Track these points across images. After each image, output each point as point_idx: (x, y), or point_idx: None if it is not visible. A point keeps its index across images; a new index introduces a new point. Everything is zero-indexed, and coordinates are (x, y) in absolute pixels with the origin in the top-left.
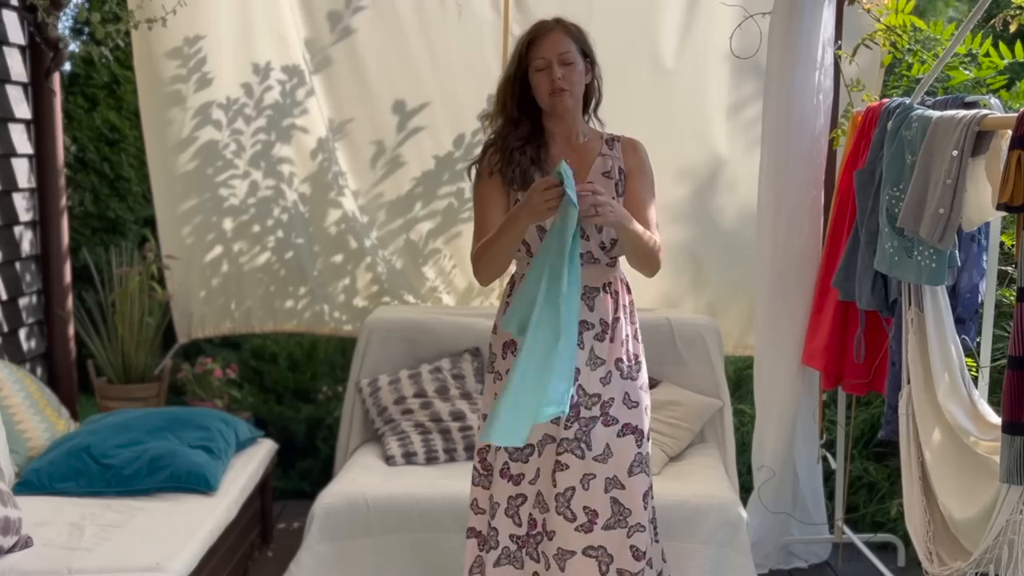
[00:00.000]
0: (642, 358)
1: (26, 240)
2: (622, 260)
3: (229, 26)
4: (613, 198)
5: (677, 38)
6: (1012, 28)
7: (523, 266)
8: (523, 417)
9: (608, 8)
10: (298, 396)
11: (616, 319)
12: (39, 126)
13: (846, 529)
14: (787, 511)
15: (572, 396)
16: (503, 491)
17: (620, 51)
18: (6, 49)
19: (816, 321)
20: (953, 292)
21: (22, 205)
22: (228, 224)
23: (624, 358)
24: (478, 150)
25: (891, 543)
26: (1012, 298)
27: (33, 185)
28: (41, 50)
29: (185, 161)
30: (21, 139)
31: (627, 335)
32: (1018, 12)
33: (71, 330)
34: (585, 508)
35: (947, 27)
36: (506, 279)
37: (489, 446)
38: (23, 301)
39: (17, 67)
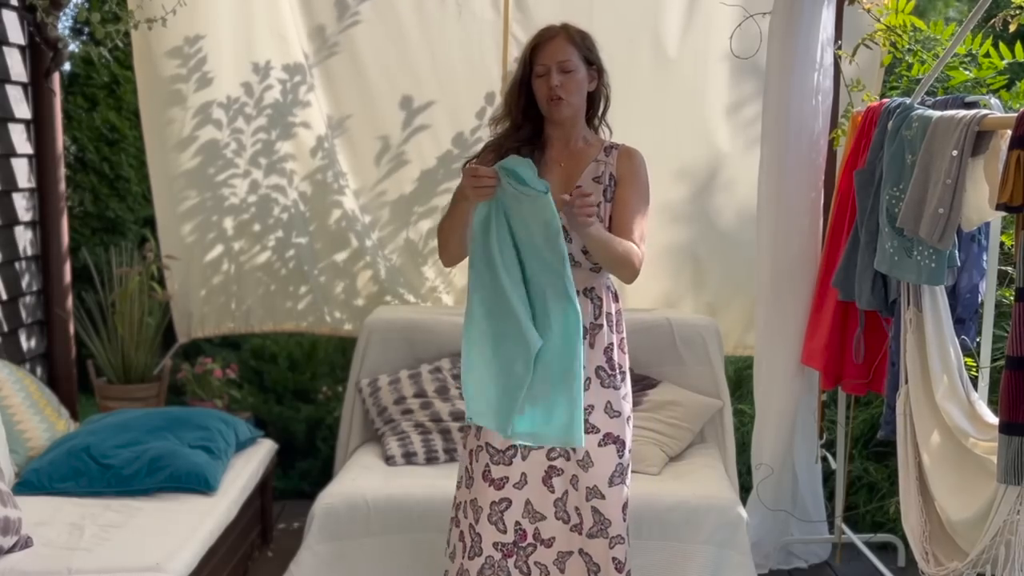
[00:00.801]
0: (626, 368)
1: (26, 240)
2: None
3: (229, 25)
4: (599, 203)
5: (677, 38)
6: (1012, 28)
7: None
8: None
9: (608, 8)
10: (298, 396)
11: (597, 325)
12: (39, 126)
13: (846, 529)
14: (786, 510)
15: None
16: (486, 496)
17: (620, 51)
18: (6, 49)
19: (816, 321)
20: (953, 292)
21: (22, 205)
22: (228, 223)
23: (605, 366)
24: (476, 147)
25: (891, 543)
26: (1012, 298)
27: (33, 185)
28: (41, 50)
29: (185, 161)
30: (21, 139)
31: (610, 343)
32: (1018, 12)
33: (71, 330)
34: (576, 509)
35: (947, 27)
36: None
37: (474, 449)
38: (23, 301)
39: (17, 67)
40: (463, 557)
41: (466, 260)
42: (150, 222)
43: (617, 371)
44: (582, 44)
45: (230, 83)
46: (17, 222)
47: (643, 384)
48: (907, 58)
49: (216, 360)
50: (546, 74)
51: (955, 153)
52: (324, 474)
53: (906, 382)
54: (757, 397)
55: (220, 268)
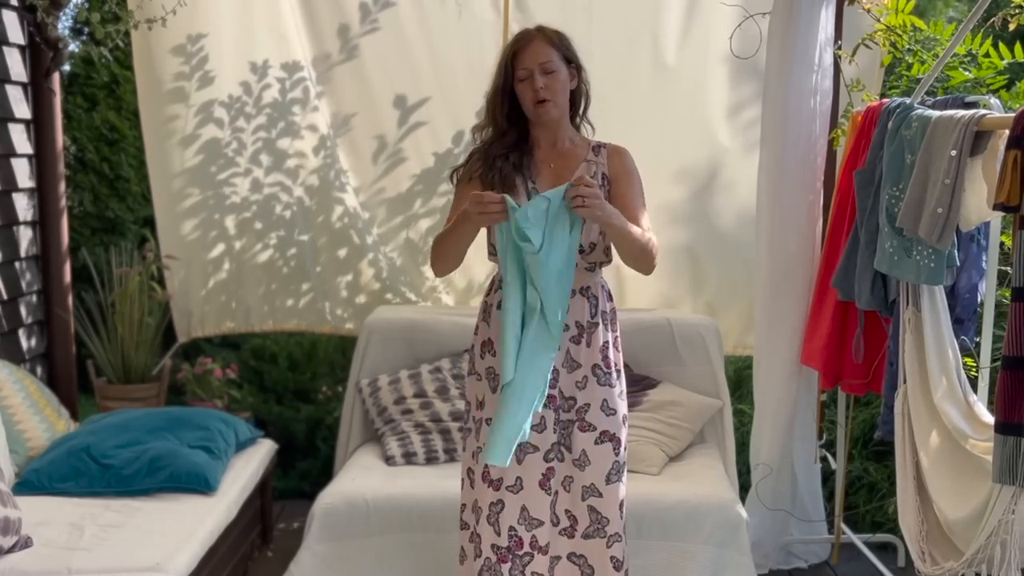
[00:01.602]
0: (621, 367)
1: (26, 240)
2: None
3: (229, 25)
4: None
5: (677, 38)
6: (1012, 28)
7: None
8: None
9: (608, 8)
10: (298, 396)
11: (594, 324)
12: (39, 126)
13: (846, 529)
14: (786, 509)
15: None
16: (485, 496)
17: (620, 51)
18: (6, 49)
19: (815, 321)
20: (952, 292)
21: (22, 205)
22: (229, 222)
23: (601, 364)
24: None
25: (891, 543)
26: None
27: (33, 185)
28: (41, 50)
29: (185, 160)
30: (21, 139)
31: (606, 342)
32: (1017, 12)
33: (71, 330)
34: (567, 512)
35: (947, 27)
36: (487, 280)
37: (475, 451)
38: (23, 301)
39: (17, 67)
40: (474, 558)
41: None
42: (150, 222)
43: (612, 369)
44: (560, 44)
45: (230, 82)
46: (17, 222)
47: (643, 384)
48: (907, 58)
49: (216, 360)
50: (529, 78)
51: (954, 153)
52: (324, 474)
53: (904, 382)
54: (756, 397)
55: (221, 267)
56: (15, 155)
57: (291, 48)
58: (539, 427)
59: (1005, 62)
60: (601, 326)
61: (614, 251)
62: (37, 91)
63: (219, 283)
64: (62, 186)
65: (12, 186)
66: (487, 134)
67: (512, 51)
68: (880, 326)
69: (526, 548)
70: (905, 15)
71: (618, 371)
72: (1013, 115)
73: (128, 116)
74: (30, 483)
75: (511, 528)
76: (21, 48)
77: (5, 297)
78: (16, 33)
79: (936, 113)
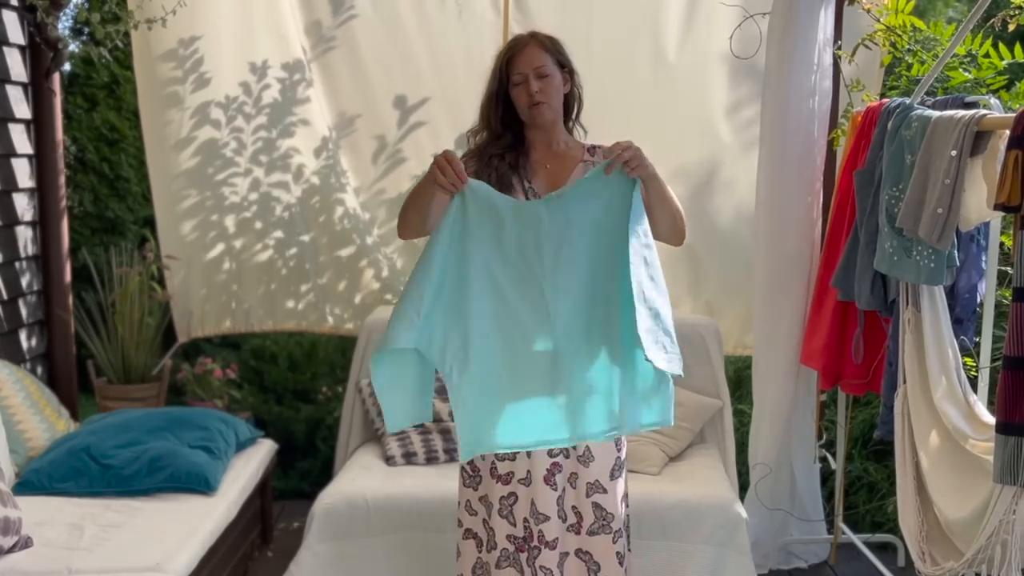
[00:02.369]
0: None
1: (26, 240)
2: None
3: (229, 25)
4: None
5: (677, 38)
6: (1011, 28)
7: None
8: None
9: (608, 8)
10: (298, 396)
11: None
12: (39, 126)
13: (845, 529)
14: (785, 509)
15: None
16: (495, 492)
17: (620, 51)
18: (6, 49)
19: (815, 321)
20: (952, 292)
21: (22, 205)
22: (229, 222)
23: None
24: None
25: (890, 543)
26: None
27: (33, 185)
28: (41, 50)
29: (185, 160)
30: (21, 139)
31: None
32: (1017, 12)
33: (71, 330)
34: (573, 508)
35: (947, 27)
36: None
37: None
38: (23, 301)
39: (17, 67)
40: (482, 550)
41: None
42: (150, 222)
43: None
44: (553, 49)
45: (230, 82)
46: (17, 222)
47: None
48: (907, 58)
49: (216, 360)
50: (523, 82)
51: (954, 153)
52: (324, 474)
53: (904, 382)
54: (755, 397)
55: (221, 267)
56: (15, 155)
57: (291, 48)
58: None
59: (1005, 62)
60: None
61: None
62: (37, 91)
63: (219, 283)
64: (62, 186)
65: (12, 186)
66: (482, 138)
67: (506, 56)
68: (880, 326)
69: (535, 541)
70: (905, 15)
71: None
72: (1013, 115)
73: (128, 116)
74: (30, 483)
75: (524, 519)
76: (21, 48)
77: (5, 297)
78: (16, 33)
79: (936, 113)
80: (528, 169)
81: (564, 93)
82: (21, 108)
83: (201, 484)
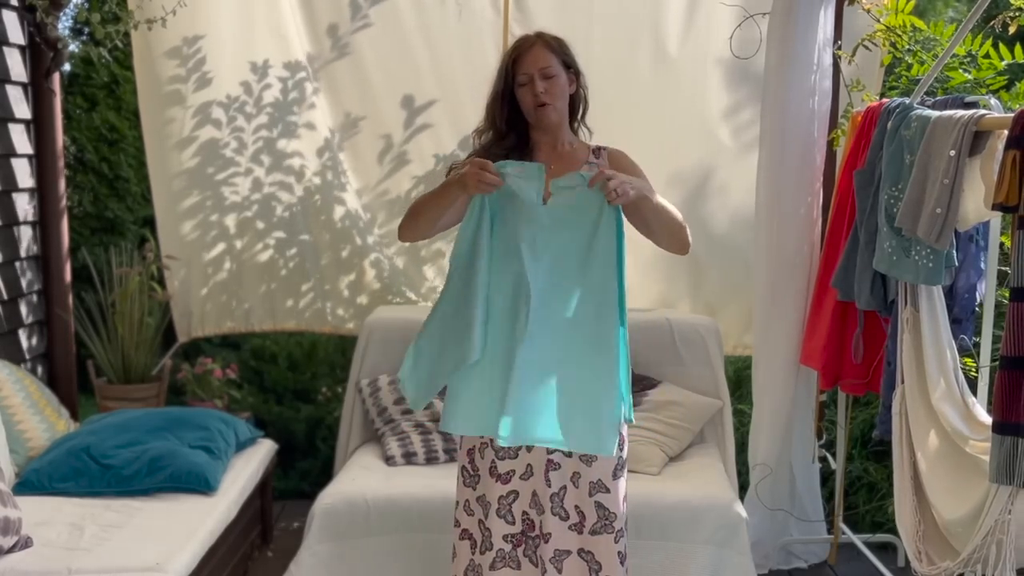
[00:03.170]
0: None
1: (26, 240)
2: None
3: (229, 25)
4: None
5: (677, 39)
6: (1012, 30)
7: None
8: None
9: (608, 8)
10: (298, 396)
11: None
12: (39, 126)
13: (845, 529)
14: (785, 509)
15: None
16: (494, 491)
17: (620, 51)
18: (6, 49)
19: (815, 321)
20: (951, 292)
21: (22, 205)
22: (229, 222)
23: None
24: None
25: (890, 543)
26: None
27: (33, 185)
28: (41, 50)
29: (185, 160)
30: (21, 139)
31: None
32: (1018, 13)
33: (71, 330)
34: (576, 507)
35: (947, 28)
36: None
37: (476, 447)
38: (23, 301)
39: (17, 67)
40: (475, 552)
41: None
42: (150, 222)
43: None
44: (559, 50)
45: (230, 82)
46: (17, 222)
47: (643, 384)
48: (907, 58)
49: (216, 360)
50: (529, 82)
51: (953, 153)
52: (324, 474)
53: (902, 382)
54: (755, 397)
55: (221, 267)
56: (15, 155)
57: (291, 48)
58: None
59: (1005, 63)
60: None
61: None
62: (37, 91)
63: (219, 283)
64: (62, 186)
65: (12, 186)
66: (487, 138)
67: (512, 57)
68: (880, 326)
69: (536, 531)
70: (905, 15)
71: None
72: (1012, 115)
73: (128, 116)
74: (30, 483)
75: (524, 513)
76: (21, 48)
77: (5, 297)
78: (16, 33)
79: (935, 113)
80: None
81: (570, 94)
82: (21, 108)
83: (201, 484)
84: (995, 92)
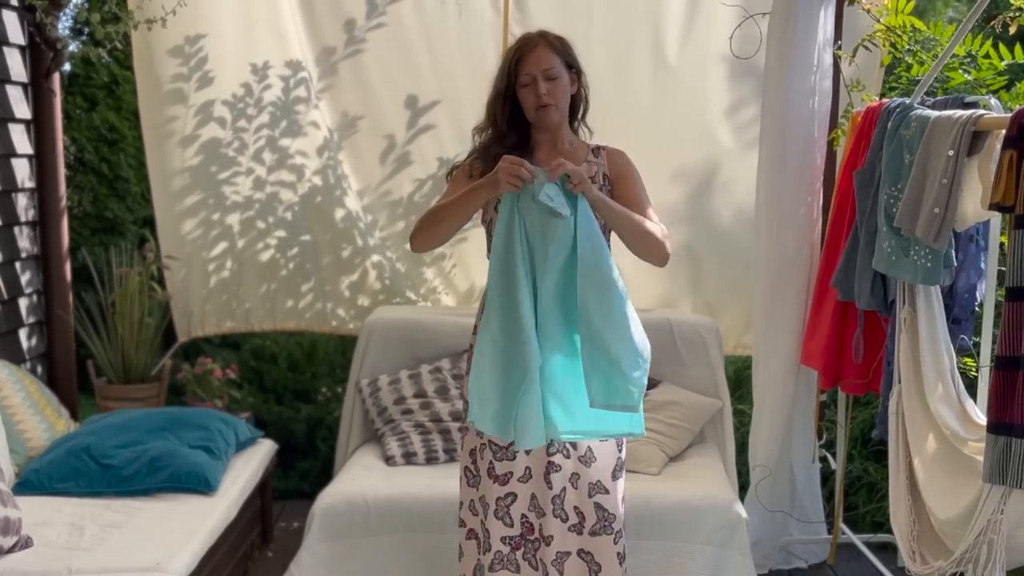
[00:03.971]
0: None
1: (26, 240)
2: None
3: (230, 25)
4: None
5: (677, 38)
6: (1012, 30)
7: None
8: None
9: (608, 8)
10: (298, 396)
11: None
12: (39, 126)
13: (846, 529)
14: (784, 510)
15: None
16: (492, 493)
17: (620, 51)
18: (6, 49)
19: (815, 321)
20: (951, 292)
21: (22, 205)
22: (229, 221)
23: None
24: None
25: (890, 543)
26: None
27: (33, 185)
28: (41, 50)
29: (185, 160)
30: (21, 139)
31: None
32: (1018, 14)
33: (71, 330)
34: (575, 508)
35: (947, 28)
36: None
37: (476, 447)
38: (23, 301)
39: (17, 67)
40: (479, 553)
41: (432, 247)
42: (149, 222)
43: None
44: (562, 50)
45: (231, 82)
46: (17, 222)
47: None
48: (907, 59)
49: (216, 360)
50: (531, 83)
51: (951, 153)
52: (324, 474)
53: (899, 382)
54: (755, 397)
55: (222, 266)
56: (15, 155)
57: (292, 47)
58: None
59: (1005, 63)
60: None
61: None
62: (37, 91)
63: (220, 283)
64: (62, 186)
65: (12, 186)
66: (487, 135)
67: (515, 57)
68: (880, 326)
69: (536, 534)
70: (905, 15)
71: None
72: (1009, 115)
73: (128, 116)
74: (30, 483)
75: (523, 516)
76: (21, 48)
77: (5, 297)
78: (16, 33)
79: (935, 113)
80: None
81: (571, 94)
82: (21, 108)
83: (201, 484)
84: (995, 92)
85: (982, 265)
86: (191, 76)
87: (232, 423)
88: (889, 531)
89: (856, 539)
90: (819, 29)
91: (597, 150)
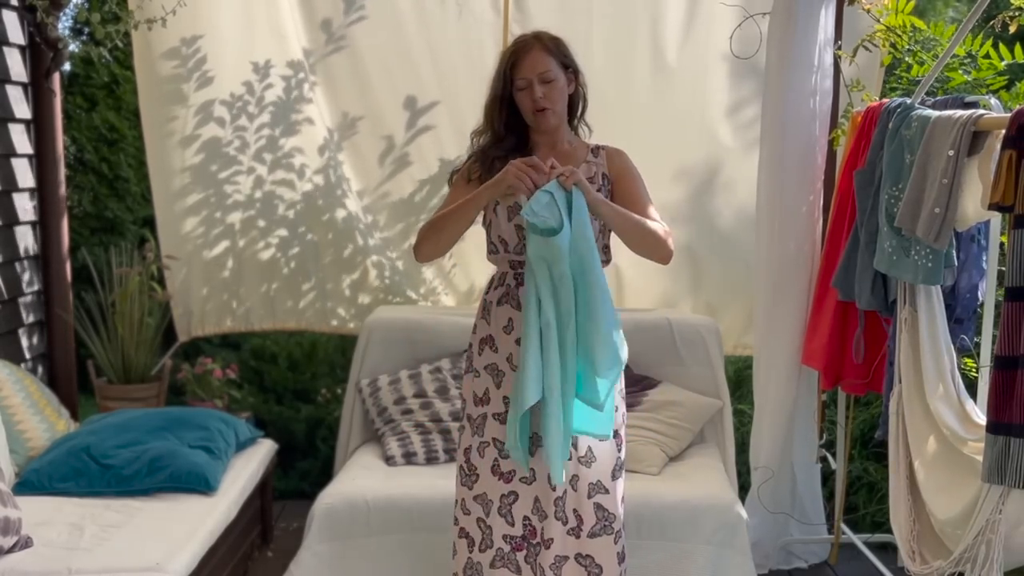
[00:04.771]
0: None
1: (26, 240)
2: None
3: (230, 25)
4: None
5: (677, 38)
6: (1012, 29)
7: (503, 265)
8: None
9: (608, 8)
10: (298, 396)
11: None
12: (39, 126)
13: (846, 529)
14: (785, 511)
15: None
16: (495, 489)
17: (620, 51)
18: (6, 49)
19: (816, 321)
20: (953, 292)
21: (22, 205)
22: (230, 221)
23: None
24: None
25: (891, 543)
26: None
27: (33, 185)
28: (41, 50)
29: (186, 159)
30: (21, 139)
31: None
32: (1018, 13)
33: (71, 330)
34: (574, 511)
35: (947, 28)
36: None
37: (471, 446)
38: (23, 301)
39: (17, 67)
40: (473, 550)
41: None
42: (149, 222)
43: None
44: (558, 51)
45: (231, 81)
46: (17, 222)
47: (643, 384)
48: (907, 59)
49: (216, 360)
50: (528, 87)
51: (951, 153)
52: (324, 474)
53: (899, 382)
54: (756, 397)
55: (222, 266)
56: (15, 155)
57: (292, 47)
58: None
59: (1005, 63)
60: None
61: (612, 250)
62: (37, 91)
63: (220, 282)
64: (62, 186)
65: (12, 186)
66: (486, 139)
67: (511, 60)
68: (880, 326)
69: (538, 538)
70: (905, 15)
71: None
72: (1009, 115)
73: (128, 116)
74: (30, 483)
75: (525, 518)
76: (21, 48)
77: (5, 297)
78: (16, 33)
79: (935, 113)
80: None
81: (569, 93)
82: (21, 108)
83: (201, 484)
84: (995, 92)
85: (984, 265)
86: (191, 76)
87: (232, 423)
88: (889, 531)
89: (856, 539)
90: (819, 29)
91: (596, 150)
